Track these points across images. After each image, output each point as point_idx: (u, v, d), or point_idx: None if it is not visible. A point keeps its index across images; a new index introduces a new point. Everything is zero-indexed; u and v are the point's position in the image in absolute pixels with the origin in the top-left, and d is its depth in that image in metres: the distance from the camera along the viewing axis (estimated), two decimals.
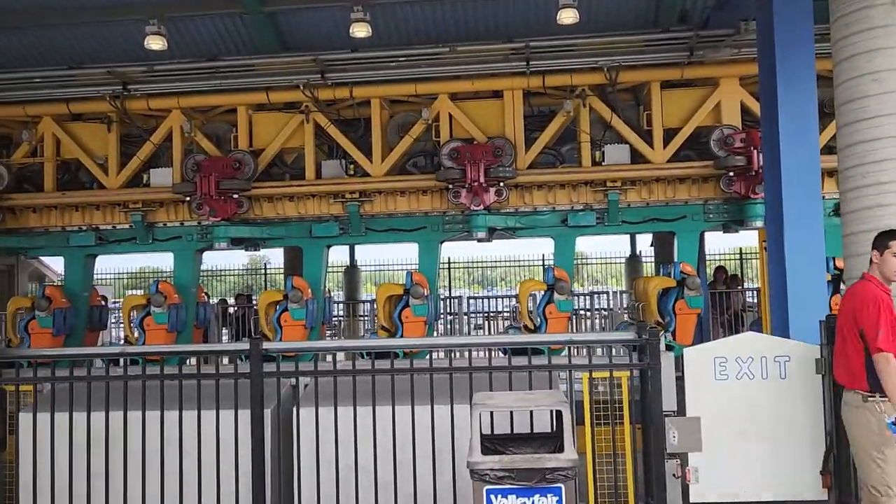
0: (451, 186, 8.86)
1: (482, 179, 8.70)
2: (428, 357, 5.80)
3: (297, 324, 8.80)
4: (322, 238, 9.47)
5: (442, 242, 9.62)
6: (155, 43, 10.16)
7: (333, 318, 13.26)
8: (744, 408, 5.21)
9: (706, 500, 5.09)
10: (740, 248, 19.92)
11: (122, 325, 11.86)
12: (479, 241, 9.47)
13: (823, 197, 7.61)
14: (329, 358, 7.31)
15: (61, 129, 9.53)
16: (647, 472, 5.24)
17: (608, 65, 8.63)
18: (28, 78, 9.26)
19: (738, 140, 8.54)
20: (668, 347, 5.97)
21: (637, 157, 9.02)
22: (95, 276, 10.92)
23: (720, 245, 21.22)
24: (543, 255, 20.20)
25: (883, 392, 4.24)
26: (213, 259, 20.85)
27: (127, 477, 5.57)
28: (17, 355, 6.35)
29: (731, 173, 8.62)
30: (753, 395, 5.23)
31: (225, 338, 13.45)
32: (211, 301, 11.53)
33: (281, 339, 8.71)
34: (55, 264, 17.57)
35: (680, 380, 5.70)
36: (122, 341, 10.37)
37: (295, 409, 5.76)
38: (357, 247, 16.60)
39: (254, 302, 14.44)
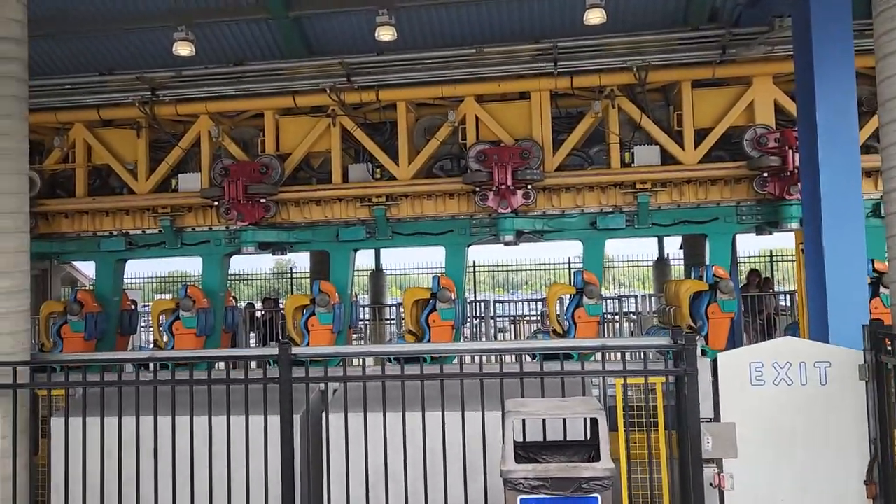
0: (478, 189, 8.79)
1: (509, 182, 8.61)
2: (458, 362, 5.74)
3: (324, 328, 8.78)
4: (349, 242, 9.46)
5: (469, 246, 9.54)
6: (183, 49, 10.27)
7: (360, 322, 13.26)
8: (781, 414, 5.08)
9: None
10: (770, 251, 19.59)
11: (151, 329, 11.97)
12: (507, 244, 9.37)
13: None
14: (356, 362, 7.29)
15: (92, 135, 9.64)
16: (683, 480, 5.12)
17: (638, 64, 8.50)
18: (60, 84, 9.38)
19: (772, 140, 8.35)
20: (702, 352, 5.84)
21: (667, 159, 8.86)
22: (125, 281, 11.03)
23: (748, 247, 20.90)
24: (569, 259, 20.05)
25: None
26: (240, 263, 20.98)
27: (157, 481, 5.59)
28: (49, 360, 6.40)
29: (765, 174, 8.43)
30: (791, 401, 5.10)
31: (252, 342, 13.53)
32: (239, 305, 11.57)
33: (308, 344, 8.70)
34: (86, 269, 17.86)
35: (713, 385, 5.57)
36: (151, 345, 10.44)
37: (324, 415, 5.74)
38: (382, 251, 16.62)
39: (281, 306, 14.51)
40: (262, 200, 9.11)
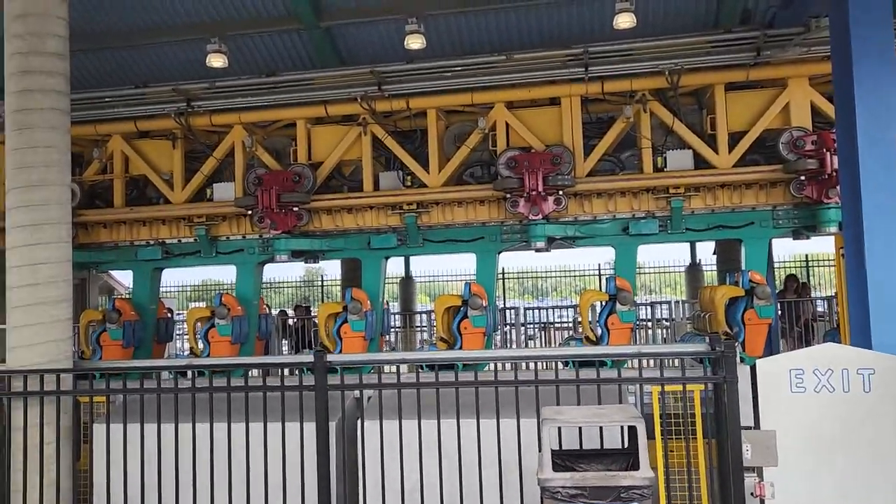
0: (508, 196, 8.77)
1: (540, 188, 8.57)
2: (493, 369, 5.72)
3: (356, 335, 8.83)
4: (380, 250, 9.50)
5: (500, 253, 9.52)
6: (216, 60, 10.47)
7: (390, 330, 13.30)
8: (823, 422, 4.99)
9: None
10: (806, 255, 19.24)
11: (186, 337, 12.15)
12: (538, 251, 9.33)
13: None
14: (388, 369, 7.31)
15: (129, 146, 9.83)
16: (723, 489, 5.04)
17: (670, 68, 8.42)
18: (99, 97, 9.59)
19: (809, 142, 8.20)
20: (739, 359, 5.74)
21: (700, 163, 8.75)
22: (161, 289, 11.20)
23: (782, 252, 20.53)
24: (599, 265, 19.91)
25: None
26: (270, 271, 21.21)
27: (196, 487, 5.67)
28: (92, 367, 6.54)
29: (802, 177, 8.27)
30: (834, 409, 5.00)
31: (285, 349, 13.65)
32: (272, 313, 11.70)
33: (341, 351, 8.75)
34: (123, 277, 18.24)
35: (752, 392, 5.47)
36: (187, 353, 10.60)
37: (359, 422, 5.77)
38: (411, 258, 16.67)
39: (312, 313, 14.64)
40: (295, 209, 9.20)
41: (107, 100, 9.58)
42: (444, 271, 20.31)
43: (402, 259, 16.74)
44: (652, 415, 5.42)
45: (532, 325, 15.24)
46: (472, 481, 5.37)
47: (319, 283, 21.13)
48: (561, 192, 8.69)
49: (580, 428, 4.97)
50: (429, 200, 9.15)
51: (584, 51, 8.59)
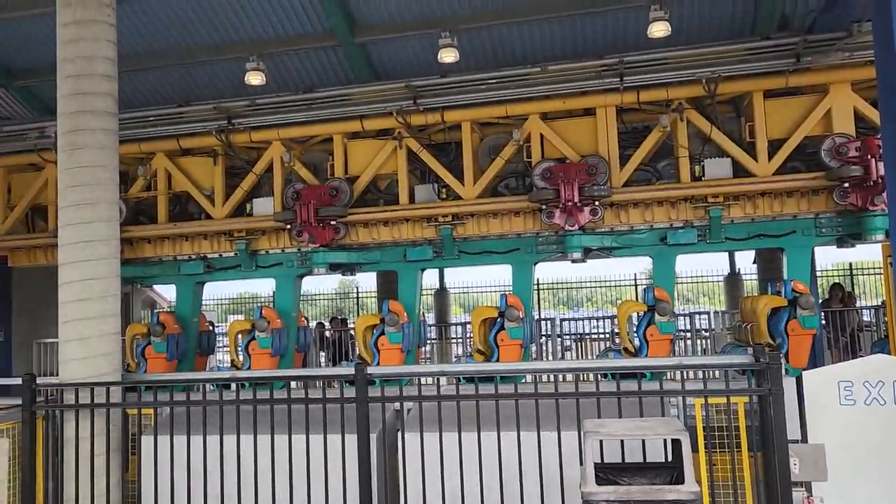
0: (544, 207, 8.76)
1: (576, 199, 8.56)
2: (532, 380, 5.71)
3: (394, 347, 8.89)
4: (416, 262, 9.57)
5: (536, 264, 9.51)
6: (254, 78, 10.71)
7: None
8: (874, 435, 4.88)
9: None
10: (850, 263, 18.76)
11: (226, 350, 12.36)
12: (574, 261, 9.30)
13: None
14: (427, 381, 7.34)
15: (172, 163, 10.09)
16: None
17: (707, 76, 8.34)
18: (143, 117, 9.88)
19: (852, 149, 8.04)
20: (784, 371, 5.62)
21: (739, 171, 8.64)
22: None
23: (825, 260, 20.01)
24: (635, 275, 19.70)
25: None
26: (305, 283, 21.48)
27: (240, 498, 5.76)
28: (140, 380, 6.70)
29: (846, 184, 8.11)
30: (884, 422, 4.88)
31: (322, 361, 13.78)
32: (310, 325, 11.84)
33: (378, 363, 8.82)
34: (164, 291, 18.64)
35: (798, 404, 5.37)
36: (227, 365, 10.78)
37: (400, 434, 5.81)
38: (446, 269, 16.71)
39: (349, 325, 14.77)
40: (333, 222, 9.33)
41: (151, 118, 9.86)
42: (478, 282, 20.31)
43: (436, 270, 16.80)
44: (694, 427, 5.35)
45: (569, 337, 15.13)
46: (512, 493, 5.36)
47: (354, 294, 21.28)
48: (597, 203, 8.65)
49: (622, 441, 4.93)
50: (464, 212, 9.19)
51: (619, 61, 8.57)
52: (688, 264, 21.33)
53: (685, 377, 6.38)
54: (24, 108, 13.07)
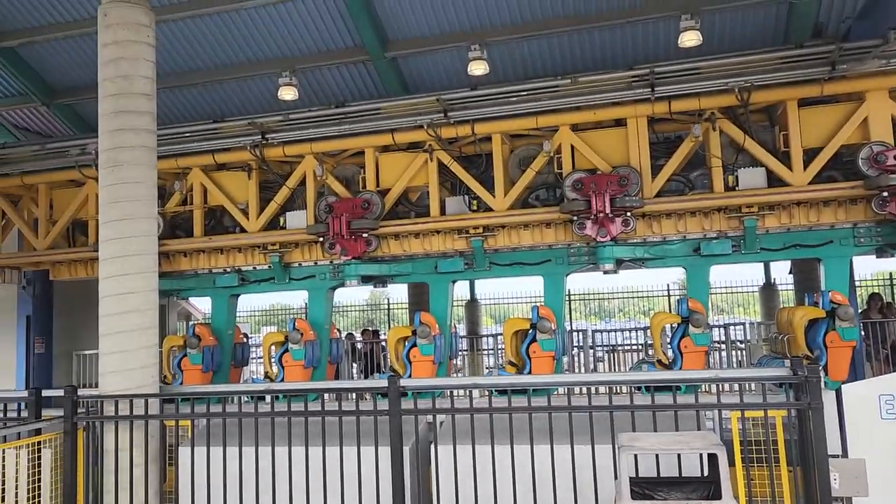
0: (575, 218, 8.74)
1: (608, 210, 8.52)
2: (565, 393, 5.69)
3: (425, 359, 8.91)
4: (447, 273, 9.60)
5: (567, 275, 9.47)
6: (287, 93, 10.90)
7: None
8: None
9: None
10: (890, 273, 18.30)
11: (260, 361, 12.51)
12: (606, 272, 9.24)
13: None
14: (458, 393, 7.34)
15: (208, 178, 10.29)
16: None
17: (739, 86, 8.26)
18: (180, 133, 10.09)
19: (891, 157, 7.89)
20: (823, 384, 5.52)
21: (774, 181, 8.52)
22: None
23: (863, 269, 19.56)
24: (668, 285, 19.48)
25: None
26: (336, 295, 21.76)
27: None
28: (177, 392, 6.81)
29: (885, 193, 7.94)
30: None
31: (354, 373, 13.86)
32: (341, 337, 11.93)
33: (410, 375, 8.85)
34: (199, 303, 18.97)
35: (838, 418, 5.26)
36: (262, 377, 10.91)
37: (432, 447, 5.82)
38: (477, 281, 16.70)
39: (381, 337, 14.84)
40: (364, 235, 9.41)
41: (186, 134, 10.07)
42: (510, 293, 20.28)
43: (467, 282, 16.81)
44: (731, 441, 5.27)
45: (601, 349, 15.01)
46: None
47: (385, 306, 21.40)
48: (629, 214, 8.60)
49: (657, 455, 4.88)
50: (495, 224, 9.21)
51: (650, 71, 8.53)
52: (721, 274, 21.04)
53: (721, 390, 6.30)
54: (64, 125, 13.48)
